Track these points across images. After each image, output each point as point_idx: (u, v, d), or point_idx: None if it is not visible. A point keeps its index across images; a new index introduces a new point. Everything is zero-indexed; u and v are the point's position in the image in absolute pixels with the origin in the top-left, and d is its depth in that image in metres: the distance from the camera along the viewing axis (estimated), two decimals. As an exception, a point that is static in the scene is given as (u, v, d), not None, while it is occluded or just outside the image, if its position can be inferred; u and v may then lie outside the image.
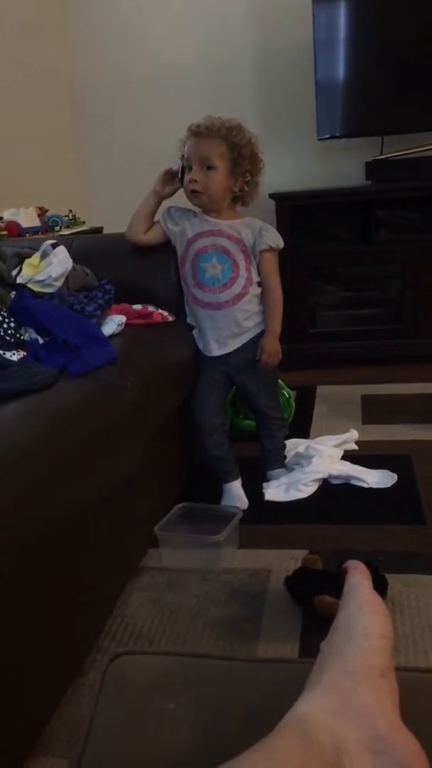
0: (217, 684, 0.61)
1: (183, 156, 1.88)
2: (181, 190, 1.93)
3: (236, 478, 1.97)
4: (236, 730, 0.55)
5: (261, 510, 1.91)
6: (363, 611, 0.57)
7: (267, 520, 1.85)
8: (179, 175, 1.90)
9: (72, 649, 1.30)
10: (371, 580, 0.62)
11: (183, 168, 1.88)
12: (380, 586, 1.46)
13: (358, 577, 0.62)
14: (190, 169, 1.86)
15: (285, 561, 1.62)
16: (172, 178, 1.93)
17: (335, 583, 1.46)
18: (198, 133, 1.86)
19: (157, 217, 1.98)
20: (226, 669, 0.64)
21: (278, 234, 1.96)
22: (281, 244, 1.95)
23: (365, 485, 1.98)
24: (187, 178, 1.86)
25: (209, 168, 1.84)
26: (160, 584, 1.60)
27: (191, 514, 1.78)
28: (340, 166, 3.34)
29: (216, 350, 1.95)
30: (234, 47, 3.35)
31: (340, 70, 3.10)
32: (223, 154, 1.84)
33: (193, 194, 1.87)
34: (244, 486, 1.98)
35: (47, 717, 1.20)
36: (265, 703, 0.56)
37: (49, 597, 1.18)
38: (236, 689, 0.60)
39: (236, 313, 1.91)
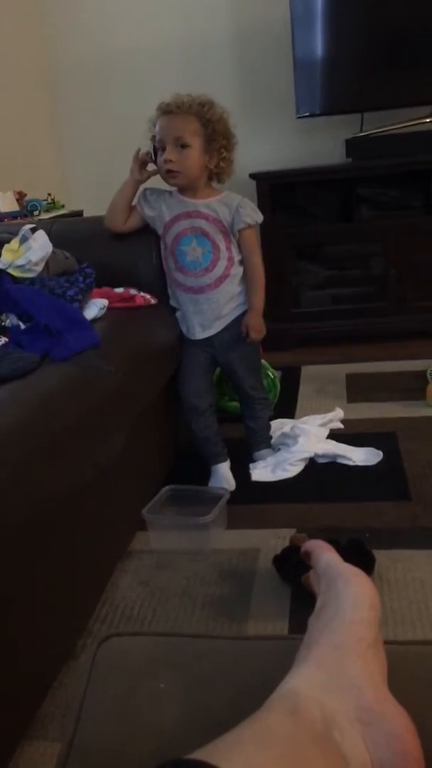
0: (206, 663, 0.61)
1: (154, 137, 1.85)
2: (156, 174, 1.91)
3: (225, 460, 1.98)
4: (226, 707, 0.55)
5: (248, 490, 1.91)
6: (350, 583, 0.57)
7: (254, 501, 1.86)
8: (152, 158, 1.87)
9: (63, 633, 1.31)
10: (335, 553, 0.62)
11: (155, 149, 1.85)
12: (368, 562, 1.48)
13: (330, 554, 0.62)
14: (163, 149, 1.82)
15: (273, 540, 1.63)
16: (147, 162, 1.90)
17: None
18: (169, 111, 1.82)
19: (134, 201, 1.96)
20: (214, 648, 0.64)
21: (256, 208, 1.92)
22: (260, 218, 1.92)
23: (351, 463, 1.99)
24: (161, 158, 1.83)
25: (183, 146, 1.80)
26: (148, 566, 1.61)
27: (179, 497, 1.78)
28: (320, 144, 3.33)
29: (200, 333, 1.94)
30: (211, 26, 3.31)
31: (318, 48, 3.07)
32: (197, 131, 1.81)
33: (168, 174, 1.84)
34: (230, 467, 1.98)
35: (39, 700, 1.20)
36: (255, 679, 0.57)
37: (38, 582, 1.18)
38: (225, 667, 0.61)
39: (219, 296, 1.90)
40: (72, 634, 1.36)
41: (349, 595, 0.56)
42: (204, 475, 1.97)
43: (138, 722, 0.57)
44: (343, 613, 0.55)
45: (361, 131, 3.15)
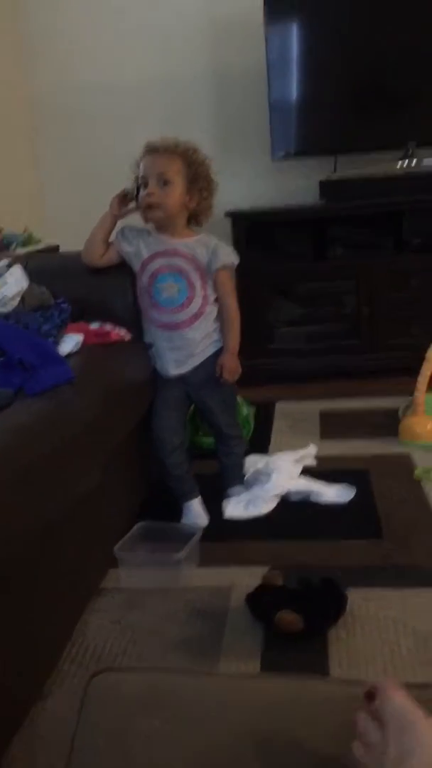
0: (200, 701, 0.61)
1: (137, 176, 1.89)
2: (136, 211, 1.94)
3: (196, 497, 1.97)
4: (222, 749, 0.54)
5: (221, 527, 1.91)
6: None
7: (227, 538, 1.85)
8: (134, 194, 1.90)
9: (32, 673, 1.28)
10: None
11: (138, 187, 1.89)
12: (340, 602, 1.47)
13: (402, 697, 0.56)
14: (145, 186, 1.86)
15: (246, 578, 1.62)
16: (127, 200, 1.93)
17: (295, 600, 1.48)
18: (155, 150, 1.87)
19: (112, 237, 1.98)
20: (209, 685, 0.63)
21: (233, 251, 1.97)
22: (236, 260, 1.96)
23: (324, 500, 2.00)
24: (142, 193, 1.86)
25: (165, 183, 1.84)
26: (120, 605, 1.59)
27: (151, 533, 1.77)
28: (295, 185, 3.39)
29: (173, 370, 1.95)
30: (189, 67, 3.38)
31: (293, 91, 3.16)
32: (180, 171, 1.85)
33: (148, 208, 1.87)
34: (203, 503, 1.97)
35: (6, 743, 1.17)
36: (251, 719, 0.56)
37: (7, 620, 1.16)
38: (220, 706, 0.60)
39: (194, 334, 1.92)
40: (41, 674, 1.33)
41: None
42: (177, 511, 1.96)
43: (134, 763, 0.55)
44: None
45: (334, 173, 3.22)
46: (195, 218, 1.94)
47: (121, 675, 0.66)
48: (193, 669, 1.31)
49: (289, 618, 1.39)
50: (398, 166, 3.12)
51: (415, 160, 3.11)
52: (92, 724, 0.60)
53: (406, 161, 3.11)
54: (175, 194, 1.85)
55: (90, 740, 0.58)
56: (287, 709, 0.59)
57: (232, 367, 1.94)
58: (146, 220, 1.92)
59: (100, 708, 0.61)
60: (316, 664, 1.35)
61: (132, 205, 1.93)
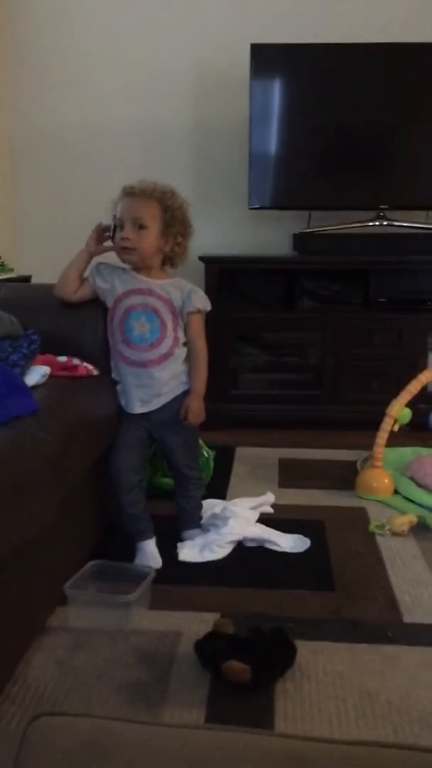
0: (139, 751, 0.59)
1: (115, 216, 1.92)
2: (111, 250, 1.96)
3: (151, 537, 1.95)
4: None
5: (174, 570, 1.89)
6: None
7: (180, 581, 1.83)
8: (111, 234, 1.93)
9: (-32, 713, 1.24)
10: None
11: (115, 227, 1.92)
12: (289, 653, 1.47)
13: None
14: (122, 228, 1.89)
15: (195, 624, 1.60)
16: (104, 237, 1.96)
17: (244, 649, 1.47)
18: (132, 193, 1.91)
19: (87, 273, 1.99)
20: (149, 735, 0.62)
21: (206, 297, 2.01)
22: (208, 307, 2.00)
23: (279, 549, 2.00)
24: (118, 236, 1.90)
25: (141, 227, 1.88)
26: (65, 645, 1.55)
27: (103, 572, 1.74)
28: (269, 236, 3.47)
29: (139, 408, 1.95)
30: (174, 114, 3.46)
31: (273, 146, 3.25)
32: (156, 215, 1.89)
33: (123, 251, 1.90)
34: (158, 545, 1.96)
35: None
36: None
37: None
38: (160, 757, 0.59)
39: (161, 373, 1.93)
40: (-22, 714, 1.29)
41: None
42: (131, 550, 1.94)
43: None
44: None
45: (308, 227, 3.31)
46: (170, 260, 1.97)
47: (60, 720, 0.64)
48: (135, 717, 1.27)
49: (237, 668, 1.38)
50: (370, 226, 3.22)
51: (386, 222, 3.21)
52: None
53: (378, 222, 3.21)
54: (150, 238, 1.88)
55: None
56: (226, 761, 0.58)
57: (196, 409, 1.95)
58: (122, 260, 1.95)
59: (37, 755, 0.59)
60: (262, 715, 1.33)
61: (108, 243, 1.95)
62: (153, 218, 1.88)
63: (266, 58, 3.16)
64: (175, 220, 1.91)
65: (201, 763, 0.54)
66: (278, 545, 2.01)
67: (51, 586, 1.62)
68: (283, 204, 3.33)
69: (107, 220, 1.95)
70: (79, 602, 1.65)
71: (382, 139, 3.24)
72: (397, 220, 3.21)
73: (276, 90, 3.25)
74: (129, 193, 1.91)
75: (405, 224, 3.21)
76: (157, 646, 1.55)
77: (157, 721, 0.60)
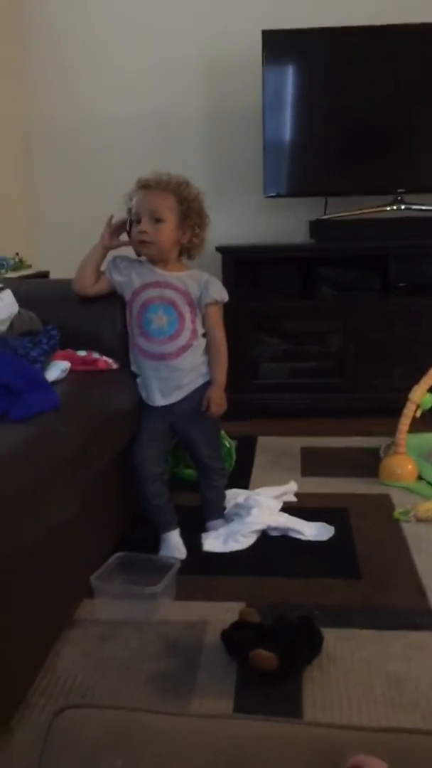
0: (165, 740, 0.60)
1: (130, 210, 1.91)
2: (127, 244, 1.96)
3: (175, 528, 1.96)
4: None
5: (199, 561, 1.90)
6: None
7: (205, 571, 1.84)
8: (127, 228, 1.93)
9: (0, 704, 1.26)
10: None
11: (130, 222, 1.91)
12: (316, 642, 1.47)
13: None
14: (138, 222, 1.88)
15: (222, 614, 1.61)
16: (120, 231, 1.95)
17: (271, 638, 1.47)
18: (147, 186, 1.90)
19: (103, 267, 1.99)
20: (172, 725, 0.63)
21: (223, 287, 2.00)
22: (226, 297, 1.99)
23: (303, 537, 2.00)
24: (135, 230, 1.89)
25: (158, 220, 1.87)
26: (93, 637, 1.57)
27: (129, 564, 1.75)
28: (285, 224, 3.44)
29: (159, 400, 1.95)
30: (187, 103, 3.45)
31: (288, 133, 3.23)
32: (172, 207, 1.88)
33: (141, 245, 1.90)
34: (182, 536, 1.96)
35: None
36: (213, 758, 0.55)
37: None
38: (184, 747, 0.59)
39: (181, 365, 1.93)
40: (9, 706, 1.31)
41: None
42: (156, 542, 1.95)
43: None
44: None
45: (324, 214, 3.28)
46: (187, 252, 1.97)
47: (85, 713, 0.65)
48: (160, 708, 1.28)
49: (264, 656, 1.38)
50: (387, 210, 3.19)
51: (404, 206, 3.18)
52: (54, 764, 0.59)
53: (395, 206, 3.18)
54: (167, 231, 1.88)
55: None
56: (253, 750, 0.59)
57: (218, 400, 1.95)
58: (139, 255, 1.95)
59: (63, 747, 0.60)
60: (290, 703, 1.33)
61: (124, 238, 1.95)
62: (170, 210, 1.88)
63: (278, 45, 3.13)
64: (191, 212, 1.90)
65: (226, 752, 0.54)
66: (302, 534, 2.00)
67: (77, 579, 1.63)
68: (298, 191, 3.30)
69: (122, 214, 1.95)
70: (105, 594, 1.66)
71: (398, 123, 3.20)
72: (415, 204, 3.17)
73: (289, 76, 3.22)
74: (144, 185, 1.90)
75: (423, 207, 3.17)
76: (184, 637, 1.56)
77: (181, 712, 0.60)
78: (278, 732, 0.63)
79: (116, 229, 1.96)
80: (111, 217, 1.96)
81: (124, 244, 1.97)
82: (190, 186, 1.92)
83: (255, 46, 3.11)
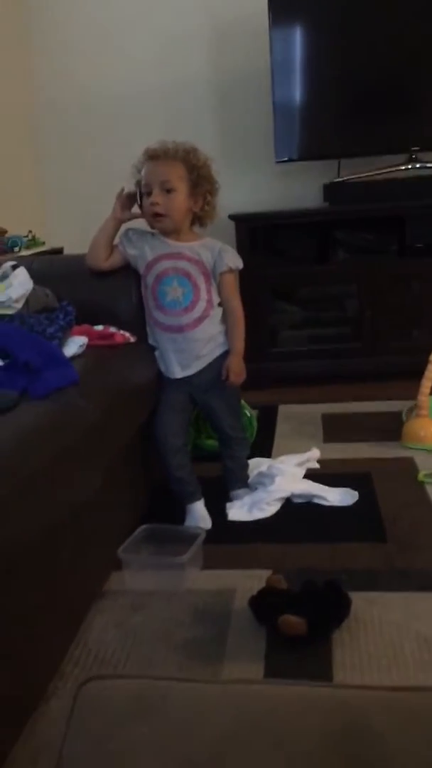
0: (188, 708, 0.61)
1: (139, 182, 1.89)
2: (140, 217, 1.94)
3: (199, 499, 1.97)
4: (207, 755, 0.54)
5: (224, 530, 1.91)
6: None
7: (230, 540, 1.85)
8: (138, 200, 1.91)
9: (34, 675, 1.28)
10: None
11: (140, 194, 1.89)
12: (345, 604, 1.47)
13: None
14: (149, 194, 1.86)
15: (249, 581, 1.62)
16: (131, 203, 1.94)
17: (299, 603, 1.48)
18: (155, 156, 1.87)
19: (116, 240, 1.98)
20: (197, 691, 0.63)
21: (237, 255, 1.98)
22: (241, 264, 1.97)
23: (327, 503, 2.00)
24: (146, 202, 1.87)
25: (169, 191, 1.85)
26: (123, 607, 1.59)
27: (155, 536, 1.77)
28: (298, 189, 3.39)
29: (179, 372, 1.95)
30: (193, 70, 3.39)
31: (297, 95, 3.16)
32: (183, 176, 1.86)
33: (155, 218, 1.88)
34: (207, 506, 1.97)
35: (9, 745, 1.17)
36: (237, 726, 0.56)
37: (11, 622, 1.16)
38: (207, 713, 0.60)
39: (198, 335, 1.92)
40: (44, 677, 1.33)
41: None
42: (181, 513, 1.96)
43: (121, 770, 0.55)
44: None
45: (338, 177, 3.23)
46: (199, 220, 1.95)
47: (111, 682, 0.65)
48: (190, 675, 1.30)
49: (292, 621, 1.39)
50: (402, 170, 3.13)
51: (418, 165, 3.11)
52: (80, 733, 0.60)
53: (410, 165, 3.12)
54: (180, 200, 1.86)
55: (77, 748, 0.58)
56: (275, 713, 0.59)
57: (238, 369, 1.95)
58: (153, 227, 1.93)
59: (89, 716, 0.61)
60: (320, 667, 1.35)
61: (136, 210, 1.93)
62: (180, 179, 1.86)
63: (284, 4, 3.06)
64: (201, 179, 1.88)
65: (249, 715, 0.55)
66: (326, 500, 2.01)
67: (105, 552, 1.65)
68: (310, 155, 3.24)
69: (131, 186, 1.93)
70: (133, 566, 1.68)
71: (409, 79, 3.12)
72: (430, 162, 3.11)
73: (296, 37, 3.15)
74: (152, 156, 1.88)
75: (439, 165, 3.11)
76: (213, 605, 1.57)
77: (205, 678, 0.60)
78: (302, 695, 0.63)
79: (127, 201, 1.94)
80: (122, 190, 1.94)
81: (136, 216, 1.95)
82: (198, 152, 1.89)
83: (261, 7, 3.04)
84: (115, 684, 0.65)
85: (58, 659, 1.40)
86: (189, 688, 0.64)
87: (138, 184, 1.90)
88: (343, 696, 0.60)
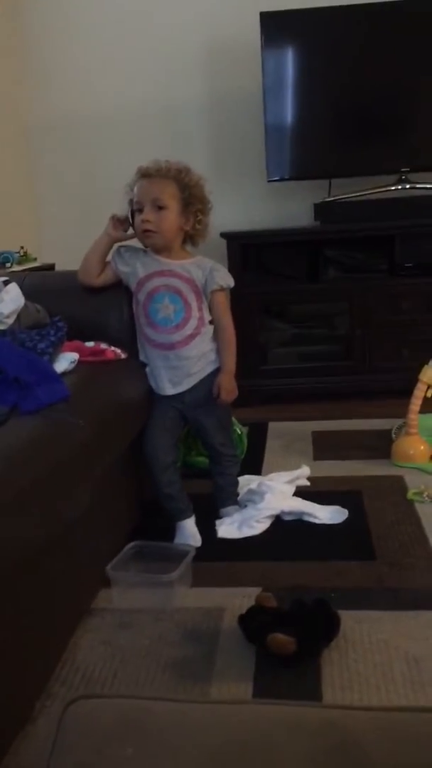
0: (175, 728, 0.60)
1: (131, 200, 1.90)
2: (133, 237, 1.95)
3: (189, 516, 1.96)
4: None
5: (214, 547, 1.90)
6: None
7: (220, 558, 1.84)
8: (130, 220, 1.92)
9: (20, 695, 1.27)
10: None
11: (132, 212, 1.91)
12: (333, 624, 1.47)
13: None
14: (141, 211, 1.88)
15: (238, 599, 1.61)
16: (124, 223, 1.95)
17: (288, 621, 1.47)
18: (148, 174, 1.89)
19: (108, 257, 1.99)
20: (184, 711, 0.63)
21: (228, 273, 1.99)
22: (232, 283, 1.99)
23: (317, 521, 2.00)
24: (138, 219, 1.88)
25: (161, 208, 1.86)
26: (111, 625, 1.57)
27: (144, 553, 1.76)
28: (290, 207, 3.42)
29: (169, 389, 1.95)
30: (186, 91, 3.42)
31: (289, 116, 3.20)
32: (174, 194, 1.87)
33: (145, 234, 1.89)
34: (196, 523, 1.97)
35: (-6, 768, 1.16)
36: (225, 746, 0.56)
37: (-2, 642, 1.15)
38: (195, 733, 0.60)
39: (189, 353, 1.93)
40: (30, 696, 1.32)
41: None
42: (170, 530, 1.95)
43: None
44: None
45: (329, 196, 3.26)
46: (191, 239, 1.96)
47: (97, 702, 0.65)
48: (178, 695, 1.29)
49: (281, 640, 1.39)
50: (392, 190, 3.16)
51: (408, 185, 3.15)
52: (66, 753, 0.59)
53: (400, 186, 3.15)
54: (171, 219, 1.87)
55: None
56: (264, 734, 0.59)
57: (229, 386, 1.95)
58: (145, 245, 1.94)
59: (75, 736, 0.61)
60: (310, 686, 1.34)
61: (129, 231, 1.94)
62: (172, 198, 1.87)
63: (277, 26, 3.10)
64: (193, 198, 1.89)
65: (237, 736, 0.54)
66: (316, 517, 2.00)
67: (93, 569, 1.64)
68: (302, 174, 3.28)
69: (125, 204, 1.94)
70: (122, 583, 1.67)
71: (400, 101, 3.16)
72: (419, 183, 3.14)
73: (288, 58, 3.19)
74: (144, 174, 1.89)
75: (428, 186, 3.14)
76: (202, 623, 1.56)
77: (192, 698, 0.60)
78: (291, 715, 0.63)
79: (119, 222, 1.95)
80: (114, 215, 1.95)
81: (129, 237, 1.96)
82: (190, 172, 1.91)
83: (253, 28, 3.08)
84: (102, 704, 0.64)
85: (44, 678, 1.38)
86: (176, 708, 0.63)
87: (131, 202, 1.92)
88: (331, 716, 0.60)
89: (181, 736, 0.59)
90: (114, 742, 0.59)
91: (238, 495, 2.10)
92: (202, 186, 1.92)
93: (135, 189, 1.89)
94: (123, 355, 1.93)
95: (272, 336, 3.29)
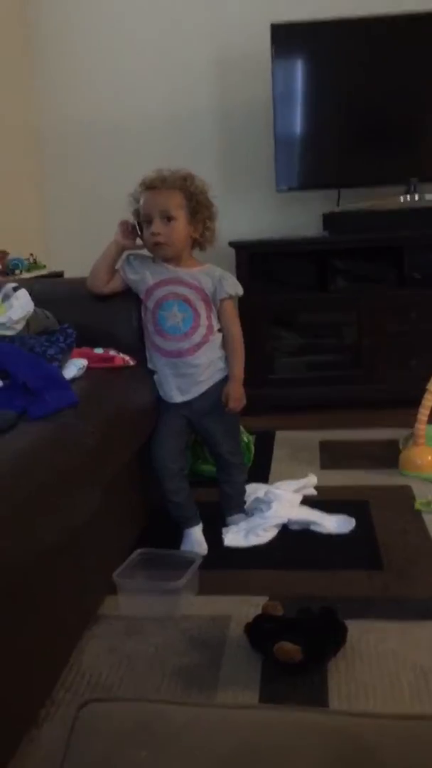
0: (188, 732, 0.60)
1: (137, 211, 1.91)
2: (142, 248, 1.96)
3: (197, 524, 1.96)
4: None
5: (220, 556, 1.90)
6: None
7: (226, 566, 1.84)
8: (138, 232, 1.93)
9: (26, 700, 1.27)
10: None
11: (139, 223, 1.91)
12: (340, 633, 1.46)
13: None
14: (149, 223, 1.88)
15: (245, 607, 1.61)
16: (133, 233, 1.95)
17: (295, 630, 1.47)
18: (153, 186, 1.89)
19: (117, 265, 1.99)
20: (197, 715, 0.63)
21: (237, 282, 2.00)
22: (241, 291, 1.99)
23: (324, 530, 1.99)
24: (147, 232, 1.89)
25: (169, 219, 1.87)
26: (117, 632, 1.57)
27: (150, 560, 1.76)
28: (298, 217, 3.43)
29: (178, 397, 1.95)
30: (196, 100, 3.45)
31: (298, 126, 3.22)
32: (182, 204, 1.88)
33: (156, 246, 1.90)
34: (203, 531, 1.96)
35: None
36: (238, 750, 0.56)
37: (2, 646, 1.15)
38: (208, 737, 0.60)
39: (198, 361, 1.93)
40: (36, 702, 1.31)
41: None
42: (177, 537, 1.95)
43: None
44: None
45: (337, 206, 3.27)
46: (199, 245, 1.96)
47: (109, 705, 0.65)
48: (184, 699, 1.29)
49: (288, 649, 1.38)
50: (401, 201, 3.17)
51: (417, 195, 3.15)
52: (79, 756, 0.59)
53: (409, 196, 3.16)
54: (180, 229, 1.88)
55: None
56: (274, 738, 0.59)
57: (237, 395, 1.95)
58: (157, 256, 1.94)
59: (87, 739, 0.60)
60: (316, 695, 1.33)
61: (139, 242, 1.95)
62: (179, 208, 1.87)
63: (287, 37, 3.12)
64: (200, 205, 1.90)
65: (248, 740, 0.54)
66: (323, 526, 2.00)
67: (100, 576, 1.64)
68: (310, 184, 3.29)
69: (129, 214, 1.95)
70: (128, 590, 1.66)
71: (409, 112, 3.18)
72: (429, 193, 3.15)
73: (298, 69, 3.21)
74: (150, 186, 1.89)
75: (437, 196, 3.15)
76: (208, 631, 1.56)
77: (204, 702, 0.60)
78: (302, 720, 0.63)
79: (127, 231, 1.95)
80: (123, 221, 1.95)
81: (138, 247, 1.97)
82: (195, 179, 1.91)
83: (264, 39, 3.10)
84: (115, 707, 0.64)
85: (50, 684, 1.38)
86: (189, 711, 0.63)
87: (136, 213, 1.92)
88: (342, 722, 0.60)
89: (194, 740, 0.59)
90: (127, 745, 0.58)
91: (245, 503, 2.09)
92: (207, 191, 1.92)
93: (141, 201, 1.89)
94: (132, 363, 1.94)
95: (280, 345, 3.30)
